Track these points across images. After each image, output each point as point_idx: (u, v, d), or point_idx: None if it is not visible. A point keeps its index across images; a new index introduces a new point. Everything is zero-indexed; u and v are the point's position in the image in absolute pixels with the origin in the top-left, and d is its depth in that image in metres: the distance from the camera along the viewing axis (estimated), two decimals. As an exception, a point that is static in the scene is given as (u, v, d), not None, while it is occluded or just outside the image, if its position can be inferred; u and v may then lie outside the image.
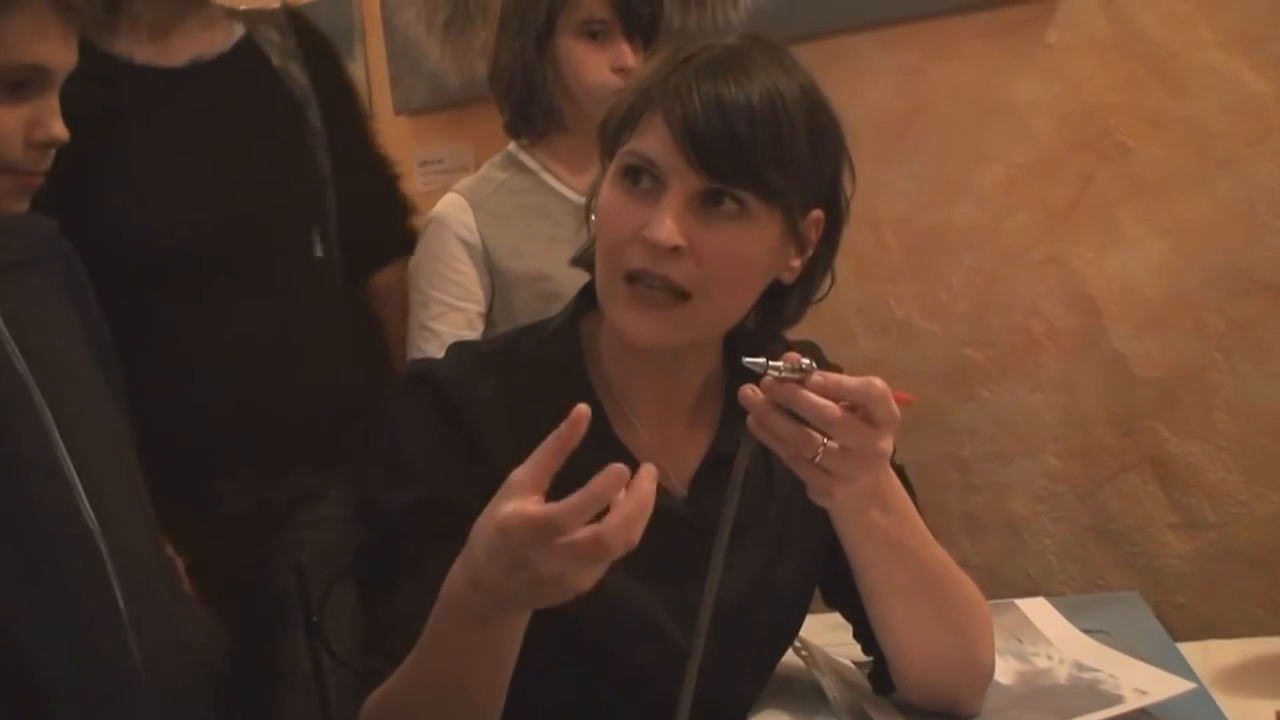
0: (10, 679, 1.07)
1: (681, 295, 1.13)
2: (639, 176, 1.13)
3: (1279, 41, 1.80)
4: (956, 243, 2.10)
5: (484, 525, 0.95)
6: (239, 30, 1.90)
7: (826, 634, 1.38)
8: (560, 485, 1.00)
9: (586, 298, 1.25)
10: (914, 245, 2.14)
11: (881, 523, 1.11)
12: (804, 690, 1.33)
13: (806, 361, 1.00)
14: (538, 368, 1.22)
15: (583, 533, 0.89)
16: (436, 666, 1.04)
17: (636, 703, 1.18)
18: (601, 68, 1.78)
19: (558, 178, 1.86)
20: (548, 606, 0.97)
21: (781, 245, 1.17)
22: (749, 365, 1.00)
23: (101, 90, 1.70)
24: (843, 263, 2.14)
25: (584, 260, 1.24)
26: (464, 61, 2.69)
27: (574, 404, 1.20)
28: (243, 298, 1.80)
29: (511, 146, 1.93)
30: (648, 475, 0.92)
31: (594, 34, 1.79)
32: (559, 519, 0.90)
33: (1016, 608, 1.45)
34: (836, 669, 1.34)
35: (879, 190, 2.14)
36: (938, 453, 2.13)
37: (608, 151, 1.19)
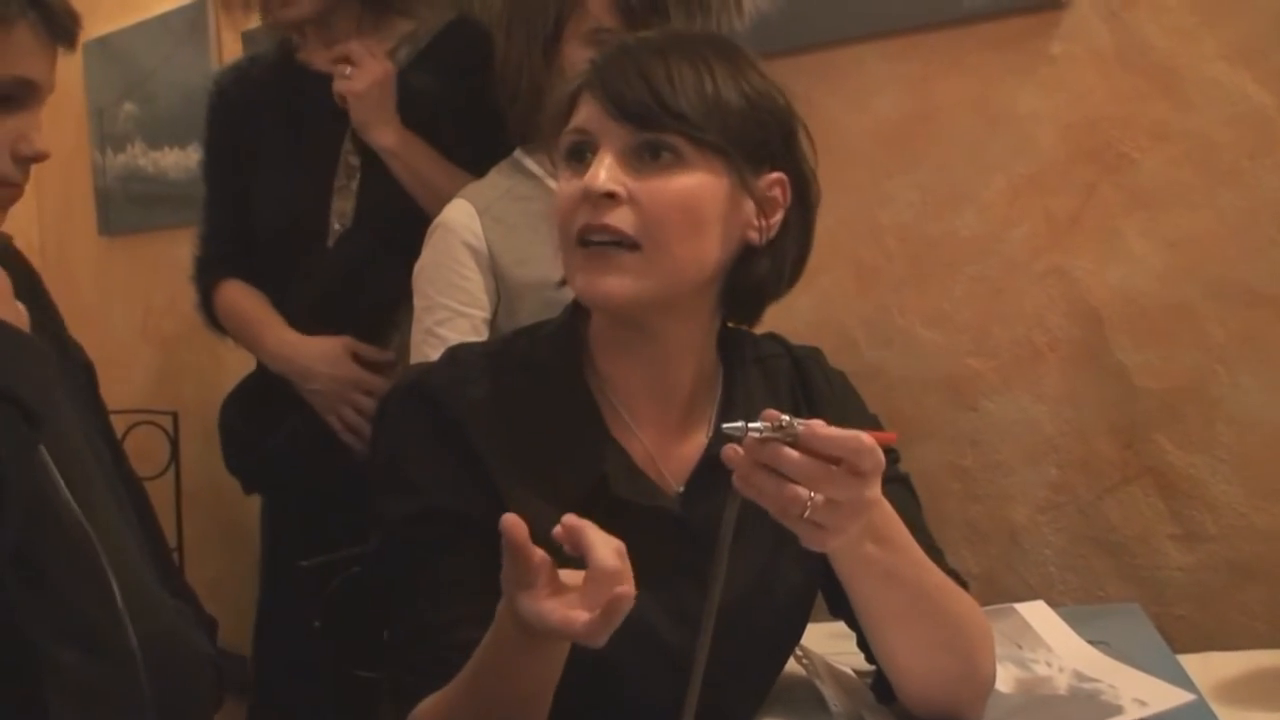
0: (11, 671, 1.07)
1: (632, 246, 1.15)
2: (580, 153, 1.18)
3: (1283, 55, 1.80)
4: (959, 253, 2.10)
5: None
6: (408, 51, 2.15)
7: (828, 643, 1.39)
8: (555, 479, 1.12)
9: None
10: (917, 255, 2.14)
11: (876, 555, 1.10)
12: (806, 698, 1.33)
13: (786, 418, 0.99)
14: (532, 369, 1.23)
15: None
16: (489, 682, 1.08)
17: (629, 704, 1.18)
18: None
19: None
20: None
21: (733, 196, 1.19)
22: (728, 431, 1.00)
23: (279, 89, 2.17)
24: (846, 272, 2.17)
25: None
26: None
27: (568, 404, 1.22)
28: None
29: (516, 152, 1.93)
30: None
31: (600, 42, 1.78)
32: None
33: (1016, 612, 1.45)
34: (838, 678, 1.34)
35: (882, 200, 2.14)
36: (939, 462, 2.13)
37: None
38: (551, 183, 1.87)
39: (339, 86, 2.07)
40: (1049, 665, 1.34)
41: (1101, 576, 2.01)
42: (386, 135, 2.08)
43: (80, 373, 1.35)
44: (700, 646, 1.02)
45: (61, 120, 3.99)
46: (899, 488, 1.30)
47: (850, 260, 2.18)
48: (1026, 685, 1.31)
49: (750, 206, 1.20)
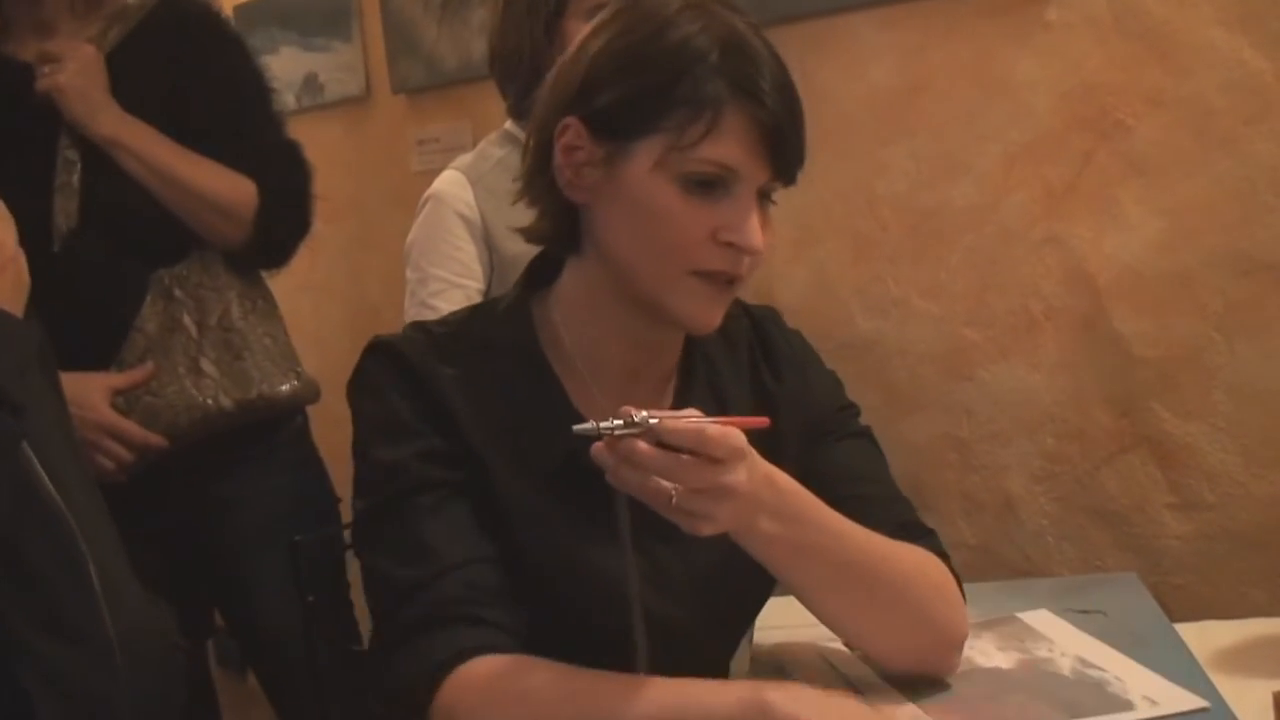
0: None
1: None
2: (712, 185, 1.13)
3: (1279, 19, 1.79)
4: (955, 222, 2.09)
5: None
6: (118, 30, 1.95)
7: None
8: (528, 453, 1.12)
9: (535, 275, 1.26)
10: (913, 225, 2.13)
11: (776, 532, 1.10)
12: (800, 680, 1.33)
13: (640, 415, 1.00)
14: (491, 350, 1.23)
15: None
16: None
17: (607, 665, 1.18)
18: None
19: None
20: None
21: None
22: (580, 432, 1.01)
23: None
24: (841, 242, 2.16)
25: (538, 236, 1.24)
26: (461, 40, 2.68)
27: (531, 383, 1.22)
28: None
29: (509, 124, 1.92)
30: None
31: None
32: None
33: (1019, 621, 1.43)
34: (826, 653, 1.35)
35: (878, 170, 2.13)
36: (936, 433, 2.13)
37: (652, 117, 1.13)
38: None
39: (42, 85, 1.88)
40: (1050, 651, 1.33)
41: (1099, 546, 2.01)
42: (104, 125, 1.90)
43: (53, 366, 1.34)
44: (634, 625, 1.06)
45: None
46: (860, 441, 1.32)
47: (845, 230, 2.17)
48: (1029, 664, 1.30)
49: None
